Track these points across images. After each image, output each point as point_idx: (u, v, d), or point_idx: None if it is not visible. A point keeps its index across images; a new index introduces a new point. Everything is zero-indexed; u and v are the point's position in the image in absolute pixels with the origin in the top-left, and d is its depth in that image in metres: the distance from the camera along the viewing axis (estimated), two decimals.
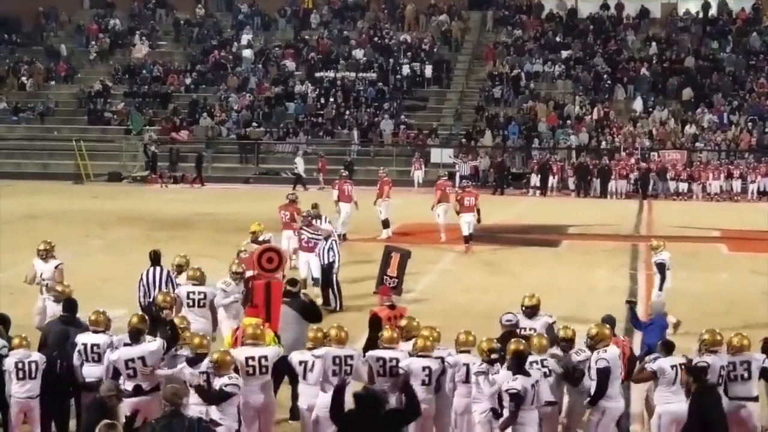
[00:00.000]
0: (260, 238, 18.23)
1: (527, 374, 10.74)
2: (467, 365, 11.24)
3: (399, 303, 13.95)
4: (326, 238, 19.57)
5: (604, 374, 11.20)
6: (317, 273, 19.49)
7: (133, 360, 11.39)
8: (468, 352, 11.37)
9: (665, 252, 17.70)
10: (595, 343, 11.42)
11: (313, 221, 20.26)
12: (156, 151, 45.58)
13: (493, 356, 10.98)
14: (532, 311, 12.94)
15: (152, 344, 11.48)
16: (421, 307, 19.46)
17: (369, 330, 12.75)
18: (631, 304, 13.98)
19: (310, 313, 13.60)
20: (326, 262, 19.30)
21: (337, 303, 19.12)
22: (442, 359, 11.37)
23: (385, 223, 27.85)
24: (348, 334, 11.60)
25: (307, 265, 19.88)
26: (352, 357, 11.36)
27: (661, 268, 17.50)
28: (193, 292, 14.57)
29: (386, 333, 11.76)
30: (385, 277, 14.05)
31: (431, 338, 11.57)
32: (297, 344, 12.46)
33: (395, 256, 14.36)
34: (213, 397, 10.67)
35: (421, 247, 26.97)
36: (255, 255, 14.21)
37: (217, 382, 10.65)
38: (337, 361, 11.28)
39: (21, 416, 11.60)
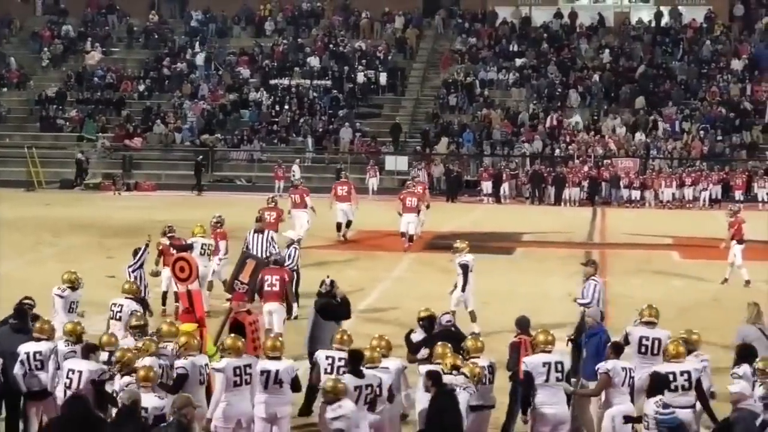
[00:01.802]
0: (189, 241, 18.31)
1: (360, 375, 11.01)
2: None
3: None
4: (288, 246, 19.48)
5: (523, 380, 11.58)
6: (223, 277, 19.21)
7: (73, 371, 11.19)
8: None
9: (469, 254, 18.19)
10: (533, 347, 11.77)
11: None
12: (82, 159, 45.22)
13: (454, 372, 11.06)
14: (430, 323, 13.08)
15: (93, 364, 11.30)
16: (376, 314, 19.50)
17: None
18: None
19: (325, 311, 14.01)
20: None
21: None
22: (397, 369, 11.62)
23: (348, 224, 28.97)
24: (245, 344, 11.69)
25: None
26: (250, 366, 11.37)
27: (465, 269, 18.01)
28: (115, 304, 14.30)
29: (338, 336, 12.15)
30: (236, 282, 14.07)
31: (378, 349, 11.66)
32: (316, 342, 13.38)
33: (250, 263, 14.37)
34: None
35: (376, 254, 27.11)
36: (171, 263, 14.31)
37: (120, 382, 10.65)
38: (238, 372, 11.27)
39: None
